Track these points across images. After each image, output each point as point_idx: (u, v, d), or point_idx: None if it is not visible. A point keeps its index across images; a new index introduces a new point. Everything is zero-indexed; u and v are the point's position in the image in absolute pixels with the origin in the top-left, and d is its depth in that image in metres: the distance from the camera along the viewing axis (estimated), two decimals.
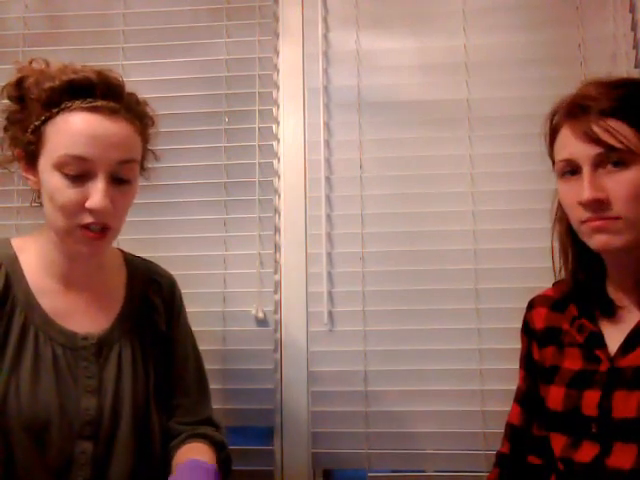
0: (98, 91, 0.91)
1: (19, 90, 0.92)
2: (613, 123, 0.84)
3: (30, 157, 0.92)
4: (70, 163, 0.88)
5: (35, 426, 0.88)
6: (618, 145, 0.83)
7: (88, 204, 0.89)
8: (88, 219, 0.90)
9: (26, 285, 0.94)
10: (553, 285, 1.06)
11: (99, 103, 0.91)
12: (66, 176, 0.88)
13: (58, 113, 0.89)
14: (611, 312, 0.93)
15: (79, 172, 0.88)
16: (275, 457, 1.45)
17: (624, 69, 1.44)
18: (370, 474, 1.42)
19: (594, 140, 0.84)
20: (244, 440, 1.53)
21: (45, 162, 0.90)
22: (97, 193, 0.89)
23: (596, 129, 0.84)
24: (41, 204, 0.96)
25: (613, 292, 0.95)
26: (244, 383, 1.46)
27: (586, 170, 0.86)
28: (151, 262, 1.13)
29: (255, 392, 1.46)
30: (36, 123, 0.90)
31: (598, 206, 0.85)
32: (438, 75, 1.52)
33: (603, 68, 1.44)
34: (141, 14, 1.59)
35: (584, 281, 0.97)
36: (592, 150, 0.85)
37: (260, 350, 1.48)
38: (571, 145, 0.88)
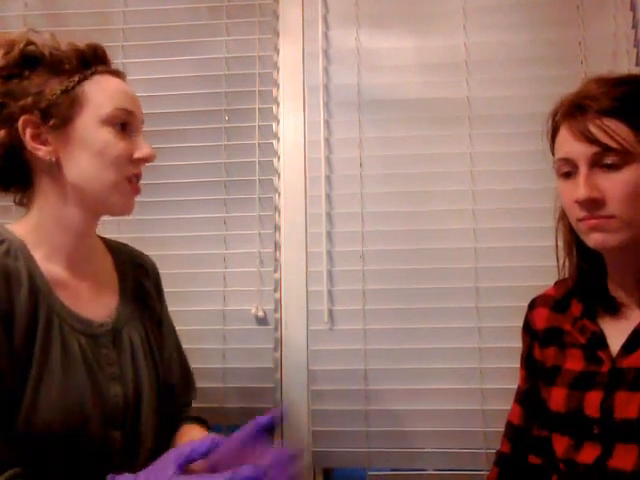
0: (108, 59, 0.97)
1: (34, 52, 0.90)
2: (610, 122, 0.84)
3: (55, 121, 0.89)
4: (120, 117, 0.92)
5: (72, 417, 0.85)
6: (614, 145, 0.83)
7: (139, 154, 0.94)
8: (135, 169, 0.95)
9: (40, 272, 0.90)
10: (554, 284, 1.06)
11: (117, 69, 0.98)
12: (117, 129, 0.92)
13: (92, 74, 0.93)
14: (614, 309, 0.93)
15: (127, 123, 0.93)
16: None
17: (625, 68, 1.44)
18: (370, 473, 1.42)
19: (590, 140, 0.85)
20: None
21: (89, 119, 0.91)
22: (145, 144, 0.95)
23: (593, 129, 0.85)
24: (51, 176, 0.92)
25: (614, 290, 0.95)
26: (244, 382, 1.46)
27: (582, 169, 0.86)
28: (128, 245, 1.13)
29: (255, 391, 1.46)
30: (68, 85, 0.90)
31: (593, 205, 0.85)
32: (438, 73, 1.51)
33: (604, 67, 1.43)
34: (141, 12, 1.59)
35: (587, 272, 0.97)
36: (588, 150, 0.85)
37: (260, 349, 1.48)
38: (568, 144, 0.88)
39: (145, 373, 0.98)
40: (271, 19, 1.57)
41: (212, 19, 1.58)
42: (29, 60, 0.90)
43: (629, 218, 0.85)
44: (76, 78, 0.91)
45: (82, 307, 0.94)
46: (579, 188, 0.86)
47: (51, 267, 0.92)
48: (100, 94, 0.92)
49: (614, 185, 0.84)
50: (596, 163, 0.86)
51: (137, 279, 1.07)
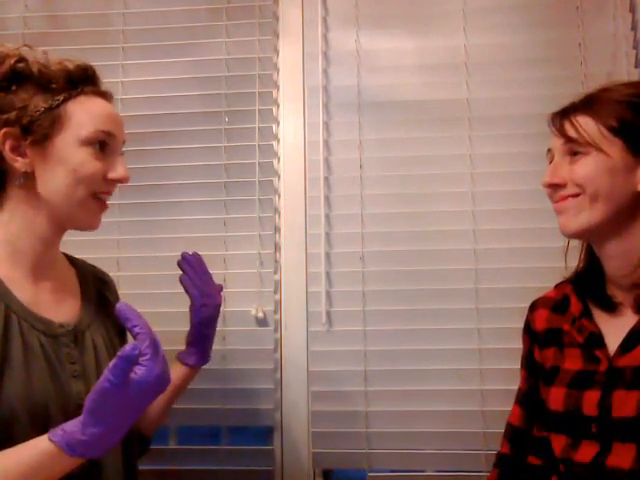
0: (97, 80, 0.99)
1: (24, 70, 0.92)
2: (580, 118, 0.92)
3: (35, 137, 0.92)
4: (100, 138, 0.95)
5: (36, 413, 0.87)
6: (575, 136, 0.91)
7: (113, 174, 0.97)
8: (107, 188, 0.98)
9: None
10: (555, 287, 1.07)
11: (105, 90, 1.00)
12: (95, 149, 0.94)
13: (78, 95, 0.95)
14: (611, 308, 0.94)
15: (107, 143, 0.96)
16: (275, 457, 1.45)
17: (624, 69, 1.44)
18: (370, 474, 1.42)
19: (560, 133, 0.94)
20: (244, 440, 1.53)
21: (68, 138, 0.93)
22: (121, 165, 0.98)
23: (565, 124, 0.94)
24: (24, 186, 0.94)
25: (610, 290, 0.96)
26: (244, 383, 1.46)
27: (555, 159, 0.96)
28: (87, 261, 1.15)
29: (255, 392, 1.46)
30: (52, 103, 0.92)
31: (557, 189, 0.94)
32: (438, 75, 1.51)
33: (603, 68, 1.44)
34: (141, 14, 1.59)
35: (586, 270, 1.00)
36: (560, 141, 0.95)
37: (260, 350, 1.48)
38: (551, 139, 0.98)
39: None
40: (271, 20, 1.57)
41: (212, 21, 1.58)
42: (18, 76, 0.92)
43: (585, 201, 0.90)
44: (61, 97, 0.93)
45: (42, 309, 0.96)
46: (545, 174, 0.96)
47: (11, 269, 0.94)
48: (82, 115, 0.94)
49: (575, 170, 0.92)
50: (566, 153, 0.94)
51: (99, 290, 1.10)
